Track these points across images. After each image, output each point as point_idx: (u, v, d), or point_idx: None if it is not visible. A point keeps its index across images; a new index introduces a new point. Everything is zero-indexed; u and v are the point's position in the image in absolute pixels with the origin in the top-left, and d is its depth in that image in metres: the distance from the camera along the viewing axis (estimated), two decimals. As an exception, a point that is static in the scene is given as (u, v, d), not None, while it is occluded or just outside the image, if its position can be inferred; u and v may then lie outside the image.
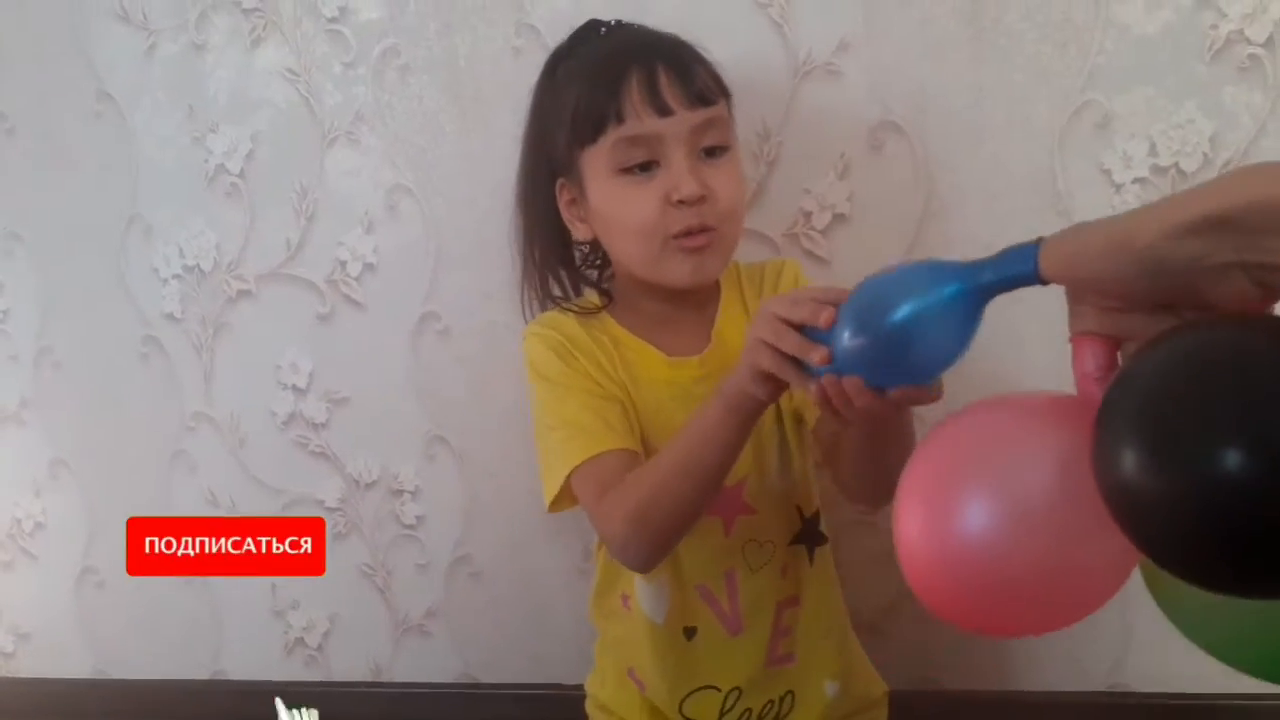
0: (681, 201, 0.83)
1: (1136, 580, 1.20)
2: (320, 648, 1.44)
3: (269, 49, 1.28)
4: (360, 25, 1.23)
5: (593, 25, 0.93)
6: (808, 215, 1.12)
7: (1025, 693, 1.16)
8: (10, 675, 1.62)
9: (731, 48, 1.10)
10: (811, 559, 0.94)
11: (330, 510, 1.37)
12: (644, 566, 0.87)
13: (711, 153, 0.86)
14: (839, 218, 1.11)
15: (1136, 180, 1.03)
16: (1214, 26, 0.98)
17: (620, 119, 0.83)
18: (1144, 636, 1.12)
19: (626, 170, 0.84)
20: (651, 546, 0.83)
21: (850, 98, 1.09)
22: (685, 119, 0.83)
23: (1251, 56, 0.98)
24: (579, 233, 0.92)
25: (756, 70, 1.10)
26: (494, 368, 1.26)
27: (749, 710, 0.94)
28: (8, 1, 1.39)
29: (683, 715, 0.94)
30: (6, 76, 1.42)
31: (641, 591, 0.93)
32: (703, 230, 0.84)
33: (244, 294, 1.36)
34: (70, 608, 1.56)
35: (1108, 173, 1.03)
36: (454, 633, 1.38)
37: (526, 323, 0.97)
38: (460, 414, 1.30)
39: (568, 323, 0.93)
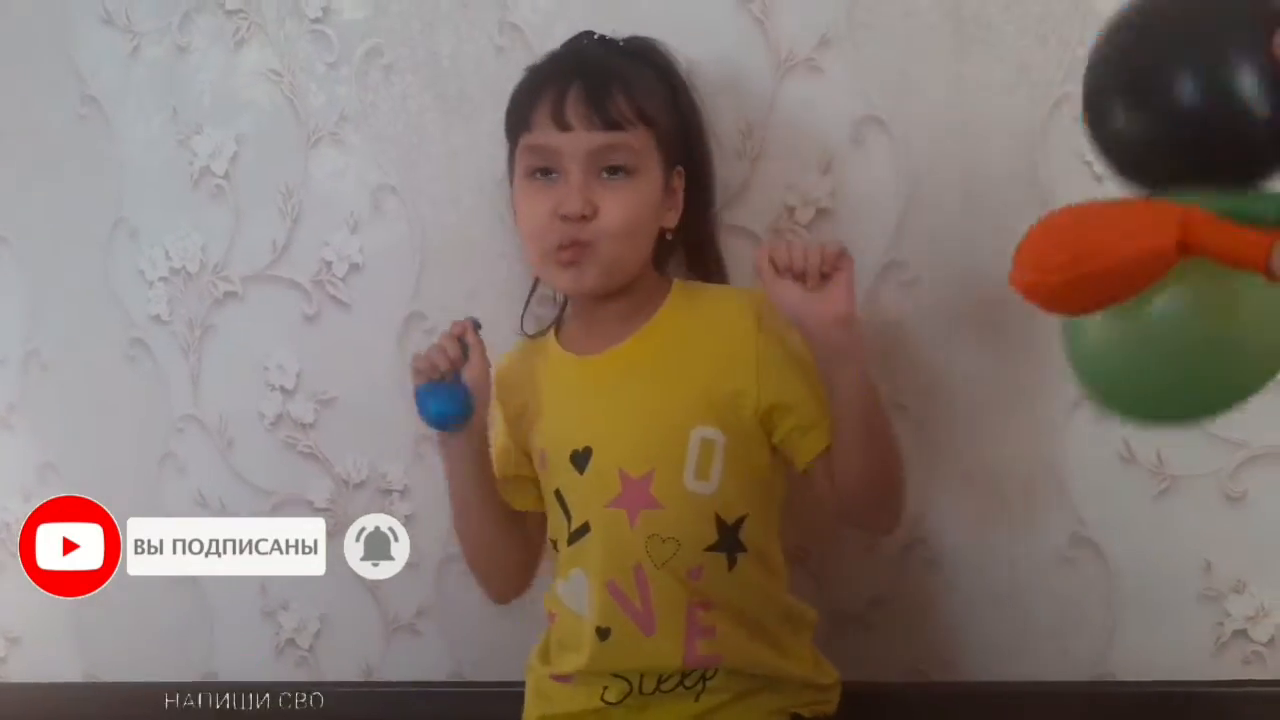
0: (565, 216, 0.87)
1: (1124, 575, 1.20)
2: (311, 648, 1.44)
3: (252, 50, 1.28)
4: (343, 25, 1.23)
5: (583, 35, 0.98)
6: (791, 210, 1.12)
7: (1012, 683, 1.16)
8: (1, 680, 1.62)
9: (713, 44, 1.10)
10: (731, 565, 0.92)
11: (320, 510, 1.37)
12: (493, 599, 1.09)
13: (614, 172, 0.89)
14: (822, 212, 1.11)
15: (1117, 172, 1.03)
16: (1192, 18, 0.99)
17: (529, 127, 0.89)
18: (1129, 628, 1.12)
19: (532, 175, 0.90)
20: (480, 579, 1.07)
21: (832, 93, 1.09)
22: (584, 138, 0.87)
23: (1229, 48, 0.98)
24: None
25: (738, 67, 1.10)
26: (481, 366, 1.26)
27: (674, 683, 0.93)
28: (-10, 5, 1.39)
29: (603, 700, 0.94)
30: (-10, 80, 1.41)
31: (562, 586, 0.94)
32: (574, 245, 0.88)
33: (230, 295, 1.36)
34: (61, 611, 1.56)
35: (1089, 165, 1.03)
36: (445, 632, 1.38)
37: (520, 324, 1.09)
38: (448, 413, 1.30)
39: (511, 360, 1.05)
